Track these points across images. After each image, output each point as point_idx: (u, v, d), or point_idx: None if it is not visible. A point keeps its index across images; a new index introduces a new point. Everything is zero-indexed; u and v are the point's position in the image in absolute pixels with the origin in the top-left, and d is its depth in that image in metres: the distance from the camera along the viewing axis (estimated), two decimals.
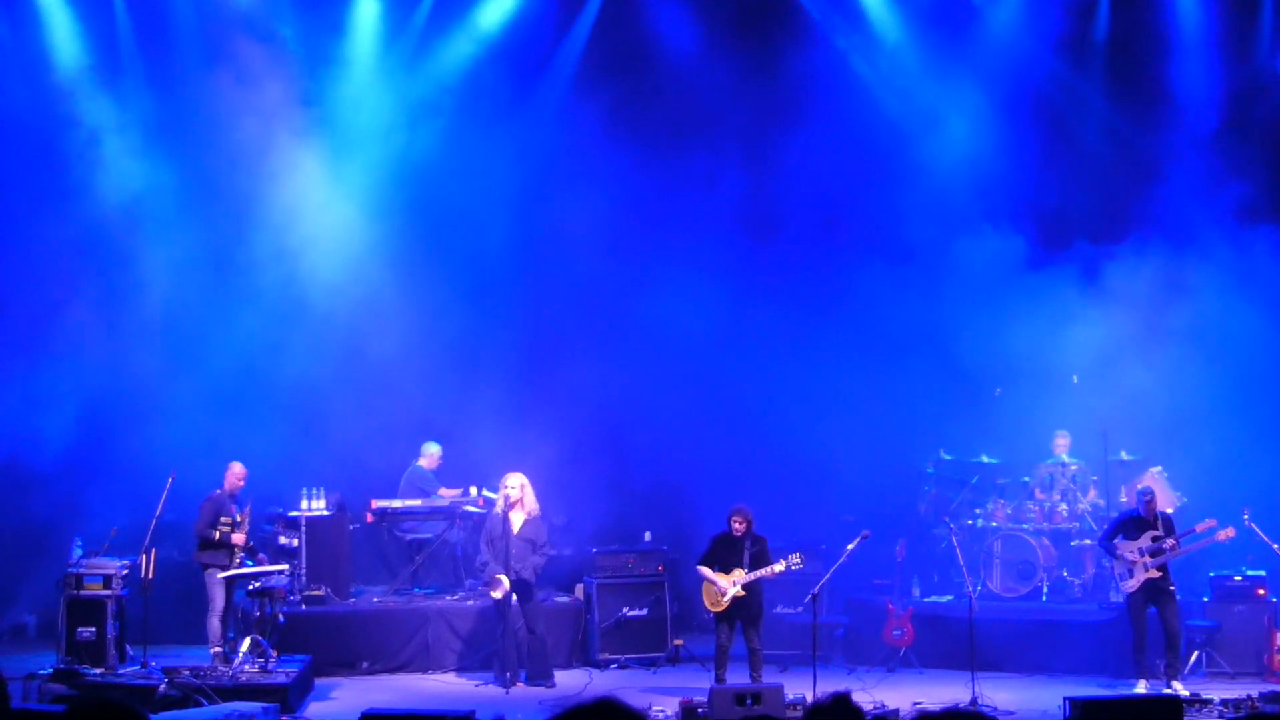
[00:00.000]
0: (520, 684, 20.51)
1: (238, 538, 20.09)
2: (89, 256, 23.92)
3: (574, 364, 24.51)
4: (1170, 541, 19.68)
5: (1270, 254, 23.73)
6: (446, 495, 23.64)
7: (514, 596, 20.41)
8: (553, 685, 20.53)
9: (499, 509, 20.60)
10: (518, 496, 20.51)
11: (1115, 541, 19.96)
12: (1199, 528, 20.08)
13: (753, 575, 19.29)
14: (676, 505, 23.86)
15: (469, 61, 25.68)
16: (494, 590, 20.45)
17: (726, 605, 19.38)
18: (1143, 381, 23.18)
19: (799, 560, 19.44)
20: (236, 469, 20.50)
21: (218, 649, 19.73)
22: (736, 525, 19.45)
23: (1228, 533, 19.94)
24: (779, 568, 19.25)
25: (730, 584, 19.30)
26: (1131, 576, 19.71)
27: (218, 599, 19.95)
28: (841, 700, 6.95)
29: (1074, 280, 24.19)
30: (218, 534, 20.06)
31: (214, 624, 19.91)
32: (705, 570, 19.56)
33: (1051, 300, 24.09)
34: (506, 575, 20.25)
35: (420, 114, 25.15)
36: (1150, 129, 25.35)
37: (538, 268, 25.06)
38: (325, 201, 24.63)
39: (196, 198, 24.21)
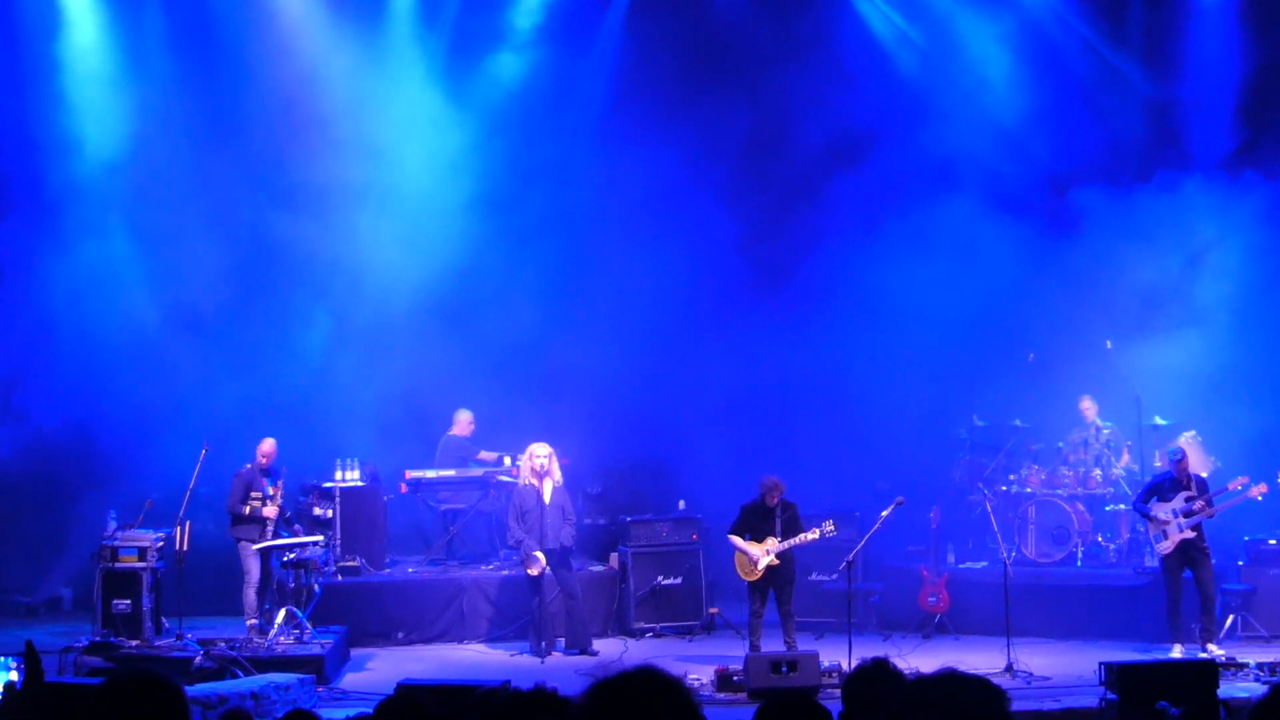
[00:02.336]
0: (557, 653, 20.56)
1: (269, 511, 20.15)
2: (117, 222, 24.03)
3: (608, 332, 24.50)
4: (1199, 503, 19.62)
5: None
6: (486, 458, 23.66)
7: (549, 568, 20.47)
8: (595, 653, 20.61)
9: (526, 480, 20.67)
10: (548, 466, 20.57)
11: (1149, 504, 19.91)
12: (1231, 485, 20.03)
13: (787, 544, 19.30)
14: (711, 473, 23.80)
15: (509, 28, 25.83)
16: (531, 568, 20.50)
17: (761, 574, 19.39)
18: (1176, 346, 23.08)
19: (832, 527, 19.46)
20: (265, 445, 20.54)
21: (253, 621, 19.82)
22: (773, 497, 19.45)
23: (1260, 489, 19.92)
24: (813, 535, 19.27)
25: (764, 552, 19.31)
26: (1166, 538, 19.67)
27: (253, 571, 20.03)
28: (881, 664, 6.95)
29: (1106, 244, 24.09)
30: (248, 509, 20.12)
31: (249, 596, 20.00)
32: (737, 540, 19.57)
33: (1084, 264, 24.04)
34: (544, 544, 20.33)
35: (455, 103, 25.30)
36: (1180, 86, 25.28)
37: (572, 237, 25.08)
38: (355, 167, 24.70)
39: (222, 164, 24.25)
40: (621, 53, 26.09)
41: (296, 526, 21.03)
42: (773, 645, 19.37)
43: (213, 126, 24.40)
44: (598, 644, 21.22)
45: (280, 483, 20.56)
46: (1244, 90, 24.69)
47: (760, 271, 25.21)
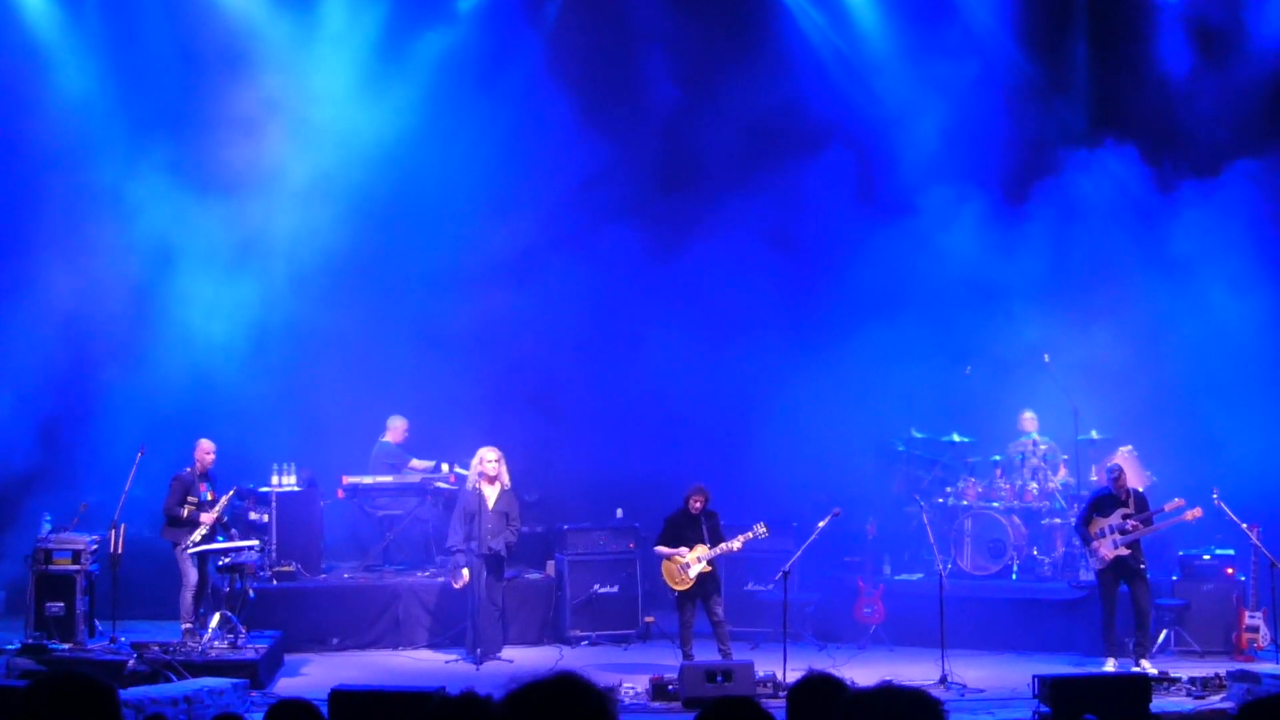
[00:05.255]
0: (492, 659, 20.51)
1: (206, 517, 20.01)
2: (55, 226, 23.83)
3: (544, 341, 24.52)
4: (1132, 523, 19.73)
5: (1238, 235, 23.76)
6: (418, 467, 23.59)
7: (483, 572, 20.45)
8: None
9: (473, 483, 20.66)
10: (496, 470, 20.57)
11: (1090, 520, 20.01)
12: (1168, 507, 20.10)
13: (717, 550, 19.39)
14: (648, 483, 23.79)
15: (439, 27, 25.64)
16: (456, 581, 20.64)
17: (693, 582, 19.42)
18: (1114, 360, 23.22)
19: (764, 529, 19.53)
20: (204, 445, 20.44)
21: (188, 625, 19.71)
22: (696, 503, 19.53)
23: (1195, 513, 19.95)
24: (739, 542, 19.38)
25: (695, 560, 19.34)
26: (1101, 553, 19.77)
27: (190, 574, 19.91)
28: (828, 678, 7.00)
29: (1043, 257, 24.23)
30: (185, 512, 20.02)
31: (186, 600, 19.88)
32: (665, 549, 19.61)
33: (1021, 277, 24.15)
34: (481, 548, 20.32)
35: (386, 84, 25.10)
36: (1120, 97, 25.53)
37: (506, 244, 24.90)
38: (289, 174, 24.43)
39: (159, 168, 24.03)
40: (553, 37, 25.91)
41: (233, 531, 20.92)
42: (707, 654, 19.43)
43: (132, 105, 24.21)
44: (533, 652, 21.41)
45: (229, 494, 20.46)
46: (1182, 105, 24.93)
47: (698, 284, 25.15)
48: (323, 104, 24.79)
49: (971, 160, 24.94)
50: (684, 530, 19.61)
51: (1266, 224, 24.02)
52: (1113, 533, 19.72)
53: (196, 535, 19.90)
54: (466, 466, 21.43)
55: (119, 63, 24.23)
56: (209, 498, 20.18)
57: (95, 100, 24.17)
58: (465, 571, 20.54)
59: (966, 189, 24.73)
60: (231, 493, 20.60)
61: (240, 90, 24.01)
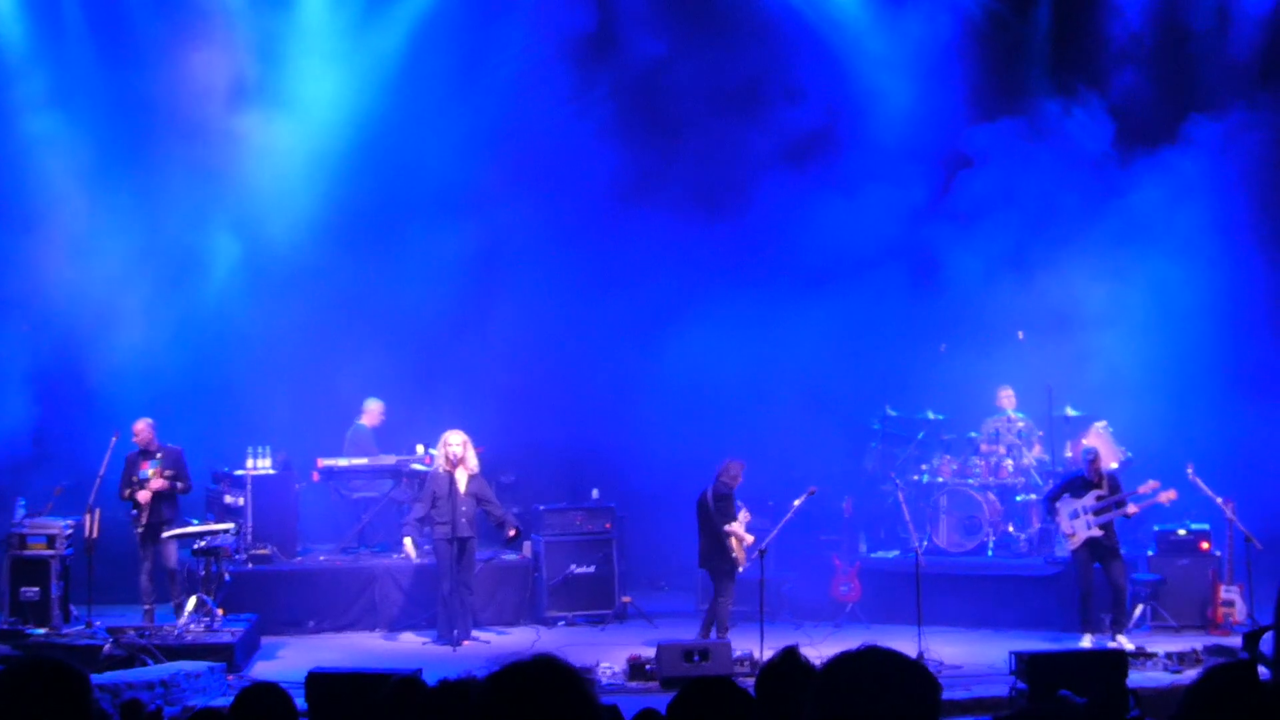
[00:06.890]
0: (468, 641, 20.50)
1: (142, 495, 20.10)
2: (31, 212, 23.73)
3: (519, 320, 24.45)
4: (1110, 503, 19.76)
5: (1207, 204, 23.79)
6: (387, 462, 23.51)
7: (456, 555, 20.42)
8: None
9: (441, 467, 20.60)
10: (461, 454, 20.52)
11: (1059, 502, 20.06)
12: (1142, 489, 20.16)
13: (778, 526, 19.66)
14: (624, 462, 23.81)
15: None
16: (400, 554, 21.10)
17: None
18: (1087, 337, 23.25)
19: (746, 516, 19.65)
20: (135, 425, 20.43)
21: (146, 606, 19.87)
22: (739, 478, 19.69)
23: (1170, 495, 20.04)
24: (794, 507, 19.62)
25: (749, 537, 19.55)
26: (1074, 534, 19.82)
27: (147, 558, 20.02)
28: (790, 655, 6.92)
29: (1016, 232, 24.21)
30: (126, 493, 20.10)
31: (143, 581, 20.08)
32: (739, 529, 19.67)
33: (993, 255, 24.12)
34: (456, 532, 20.29)
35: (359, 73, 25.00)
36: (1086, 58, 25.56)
37: (476, 225, 24.82)
38: (266, 161, 24.31)
39: (132, 159, 23.92)
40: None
41: (179, 484, 20.66)
42: (680, 634, 19.54)
43: (99, 77, 24.08)
44: (510, 633, 21.52)
45: (157, 469, 20.37)
46: (1149, 66, 24.98)
47: (672, 264, 25.09)
48: (299, 74, 24.73)
49: (938, 128, 24.99)
50: (732, 509, 19.70)
51: (1234, 190, 24.03)
52: (1086, 513, 19.77)
53: (142, 518, 20.02)
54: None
55: (88, 35, 24.13)
56: (151, 475, 20.18)
57: (63, 69, 24.05)
58: (407, 541, 21.04)
59: (932, 158, 24.83)
60: (159, 457, 20.39)
61: (213, 58, 23.91)
